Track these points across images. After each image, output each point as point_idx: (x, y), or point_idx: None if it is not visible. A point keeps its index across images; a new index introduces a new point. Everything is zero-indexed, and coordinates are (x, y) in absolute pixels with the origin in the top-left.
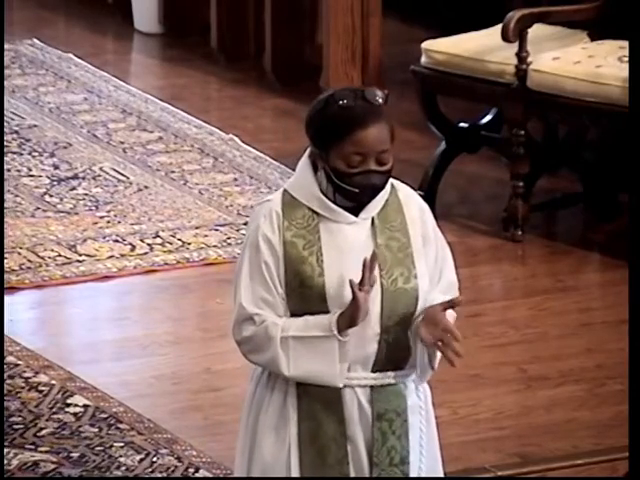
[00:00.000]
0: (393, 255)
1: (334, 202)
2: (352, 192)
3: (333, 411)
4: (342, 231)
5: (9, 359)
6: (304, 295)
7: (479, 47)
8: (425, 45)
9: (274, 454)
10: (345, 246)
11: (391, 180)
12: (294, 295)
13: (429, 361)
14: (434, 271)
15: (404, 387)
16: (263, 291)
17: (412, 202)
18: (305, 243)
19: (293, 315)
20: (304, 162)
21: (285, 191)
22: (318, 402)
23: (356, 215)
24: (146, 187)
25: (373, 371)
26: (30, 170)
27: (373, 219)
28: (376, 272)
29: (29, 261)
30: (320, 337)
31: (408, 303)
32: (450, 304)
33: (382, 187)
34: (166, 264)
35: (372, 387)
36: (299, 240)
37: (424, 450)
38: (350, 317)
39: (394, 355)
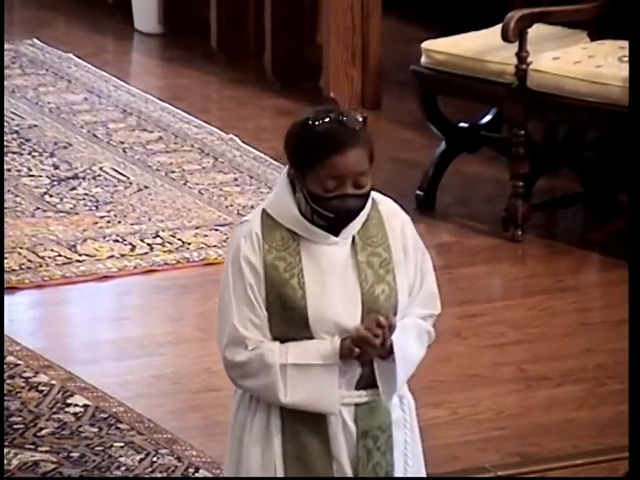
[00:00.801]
0: (375, 272)
1: (313, 223)
2: (327, 217)
3: (317, 431)
4: (323, 252)
5: (9, 359)
6: (287, 318)
7: (479, 47)
8: (425, 45)
9: (260, 473)
10: (326, 268)
11: (372, 194)
12: (276, 318)
13: (386, 376)
14: (413, 284)
15: (388, 402)
16: (250, 313)
17: (394, 217)
18: (286, 265)
19: (275, 339)
20: (282, 181)
21: (264, 210)
22: (302, 423)
23: (336, 235)
24: (146, 187)
25: (357, 389)
26: (30, 170)
27: (353, 237)
28: (357, 290)
29: (29, 261)
30: (321, 365)
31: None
32: (377, 321)
33: (359, 210)
34: (166, 264)
35: (356, 405)
36: (280, 262)
37: (409, 460)
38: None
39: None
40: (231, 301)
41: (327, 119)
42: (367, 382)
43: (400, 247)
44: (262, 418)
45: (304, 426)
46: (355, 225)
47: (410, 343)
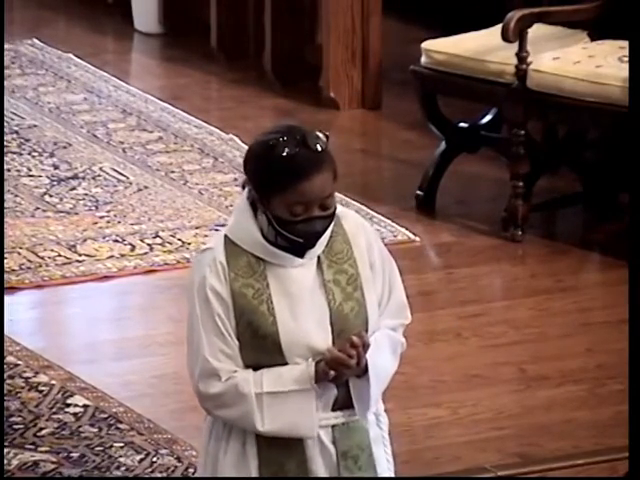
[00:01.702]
0: (342, 290)
1: (277, 246)
2: (295, 241)
3: (294, 454)
4: (289, 275)
5: (9, 359)
6: (259, 345)
7: (479, 47)
8: (425, 45)
9: None
10: (295, 290)
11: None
12: (249, 347)
13: (361, 394)
14: (382, 295)
15: (365, 421)
16: (221, 343)
17: (358, 232)
18: (254, 292)
19: (248, 367)
20: (243, 205)
21: (226, 237)
22: (278, 447)
23: (301, 257)
24: (146, 187)
25: (333, 410)
26: (30, 170)
27: (319, 256)
28: (326, 309)
29: (29, 261)
30: (297, 391)
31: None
32: (350, 341)
33: (325, 230)
34: (166, 264)
35: (333, 426)
36: (248, 290)
37: (392, 475)
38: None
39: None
40: (200, 333)
41: (290, 142)
42: (343, 402)
43: (367, 262)
44: (237, 445)
45: (280, 450)
46: (320, 245)
47: (383, 359)
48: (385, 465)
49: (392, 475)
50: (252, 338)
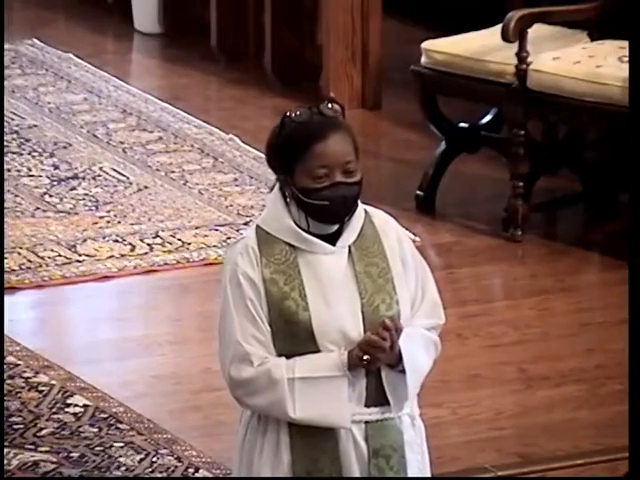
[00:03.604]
0: (373, 282)
1: (309, 231)
2: (322, 206)
3: (327, 449)
4: (321, 262)
5: (9, 359)
6: (291, 332)
7: (479, 47)
8: (425, 45)
9: None
10: (326, 277)
11: (365, 207)
12: (281, 334)
13: (395, 386)
14: (415, 294)
15: (399, 421)
16: (253, 328)
17: (388, 228)
18: (286, 278)
19: (280, 356)
20: (274, 195)
21: (258, 227)
22: (312, 441)
23: (333, 244)
24: (146, 187)
25: (367, 406)
26: (30, 170)
27: (350, 248)
28: (357, 301)
29: (29, 261)
30: (329, 377)
31: None
32: (383, 324)
33: (353, 200)
34: (166, 264)
35: (367, 422)
36: (279, 276)
37: None
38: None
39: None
40: (233, 318)
41: (303, 112)
42: (376, 399)
43: (398, 258)
44: (272, 438)
45: (314, 444)
46: (351, 232)
47: (417, 350)
48: (417, 472)
49: None
50: (285, 325)
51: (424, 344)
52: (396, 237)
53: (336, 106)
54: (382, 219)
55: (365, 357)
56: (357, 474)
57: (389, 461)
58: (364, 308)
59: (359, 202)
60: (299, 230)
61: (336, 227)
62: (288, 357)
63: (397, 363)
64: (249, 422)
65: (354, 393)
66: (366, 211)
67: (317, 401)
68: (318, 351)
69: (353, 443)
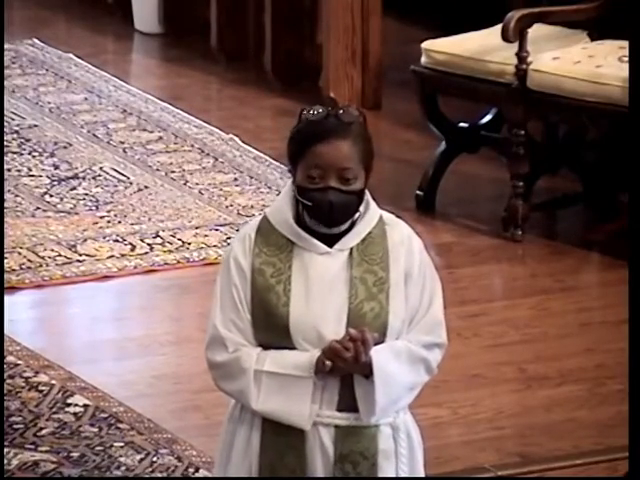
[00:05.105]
0: (367, 289)
1: (308, 229)
2: (307, 206)
3: (294, 446)
4: (315, 261)
5: (9, 359)
6: (269, 325)
7: (479, 47)
8: (425, 45)
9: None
10: (314, 277)
11: (385, 214)
12: (260, 325)
13: (366, 396)
14: (419, 308)
15: (376, 430)
16: (232, 314)
17: (402, 241)
18: (274, 271)
19: (260, 346)
20: (287, 187)
21: (265, 216)
22: (281, 436)
23: (330, 246)
24: (146, 187)
25: (339, 410)
26: (30, 170)
27: (352, 251)
28: (345, 304)
29: (29, 261)
30: (296, 377)
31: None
32: (349, 334)
33: (343, 207)
34: (166, 264)
35: (336, 427)
36: (267, 268)
37: None
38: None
39: None
40: (217, 301)
41: (321, 112)
42: (349, 404)
43: (401, 271)
44: (247, 428)
45: (282, 439)
46: (352, 236)
47: (396, 367)
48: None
49: None
50: (264, 316)
51: (407, 359)
52: (407, 250)
53: (355, 114)
54: (398, 232)
55: (327, 363)
56: (322, 474)
57: (356, 467)
58: (350, 313)
59: (373, 208)
60: (295, 226)
61: (336, 229)
62: (266, 348)
63: (370, 373)
64: (232, 413)
65: (324, 395)
66: (381, 216)
67: (280, 398)
68: (294, 347)
69: (320, 445)
